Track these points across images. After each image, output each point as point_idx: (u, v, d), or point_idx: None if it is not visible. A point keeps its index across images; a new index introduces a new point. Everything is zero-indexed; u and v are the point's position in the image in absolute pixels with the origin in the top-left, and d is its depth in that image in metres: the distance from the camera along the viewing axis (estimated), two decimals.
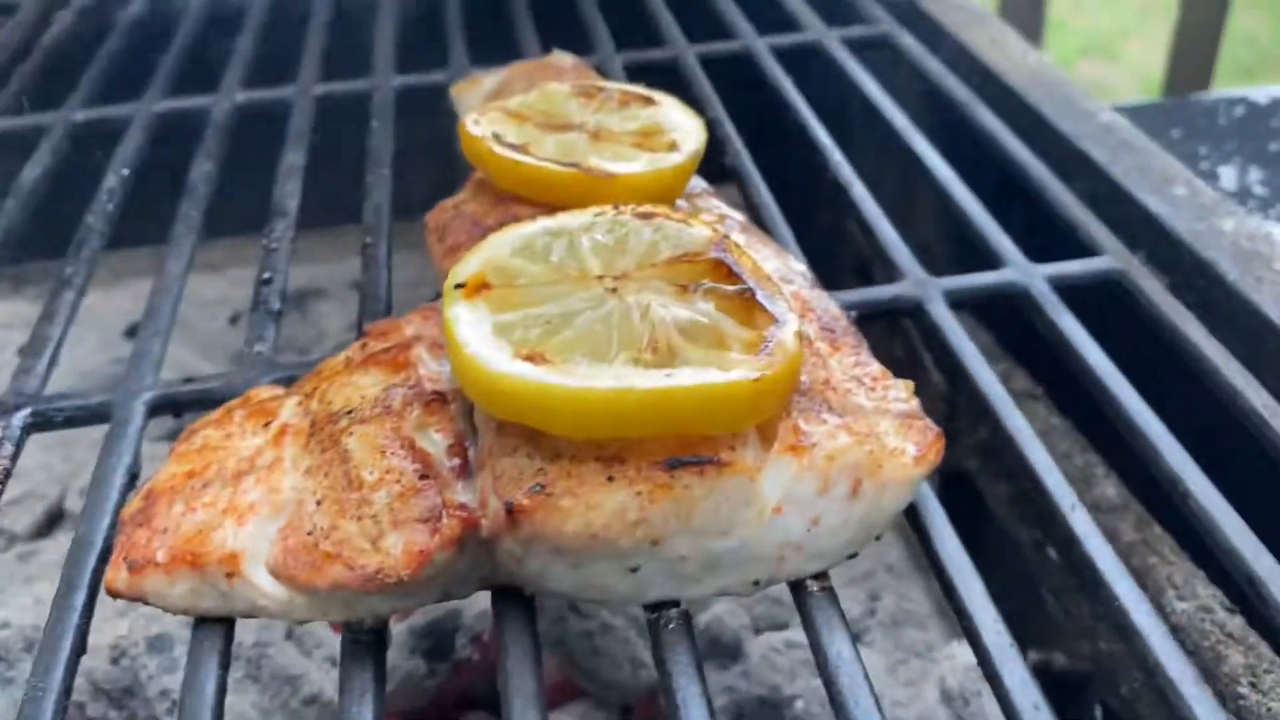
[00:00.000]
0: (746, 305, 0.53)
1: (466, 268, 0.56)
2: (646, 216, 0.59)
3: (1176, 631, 0.70)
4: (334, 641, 0.85)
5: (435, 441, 0.54)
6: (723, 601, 0.95)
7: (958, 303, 0.72)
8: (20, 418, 0.65)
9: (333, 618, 0.53)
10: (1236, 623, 0.68)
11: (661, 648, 0.51)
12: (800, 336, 0.52)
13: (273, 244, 0.79)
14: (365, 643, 0.52)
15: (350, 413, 0.55)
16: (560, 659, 0.86)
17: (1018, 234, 0.77)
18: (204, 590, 0.52)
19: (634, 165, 0.67)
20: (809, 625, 0.52)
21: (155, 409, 0.66)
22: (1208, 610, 0.69)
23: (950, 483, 1.08)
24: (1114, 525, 0.77)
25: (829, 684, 0.49)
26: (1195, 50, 2.25)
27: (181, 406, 0.67)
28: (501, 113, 0.74)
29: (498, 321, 0.52)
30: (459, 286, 0.55)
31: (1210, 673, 0.67)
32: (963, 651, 0.88)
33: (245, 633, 0.82)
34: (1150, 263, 0.76)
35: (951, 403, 1.02)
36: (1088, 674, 0.91)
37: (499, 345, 0.51)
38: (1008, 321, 0.98)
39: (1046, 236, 0.78)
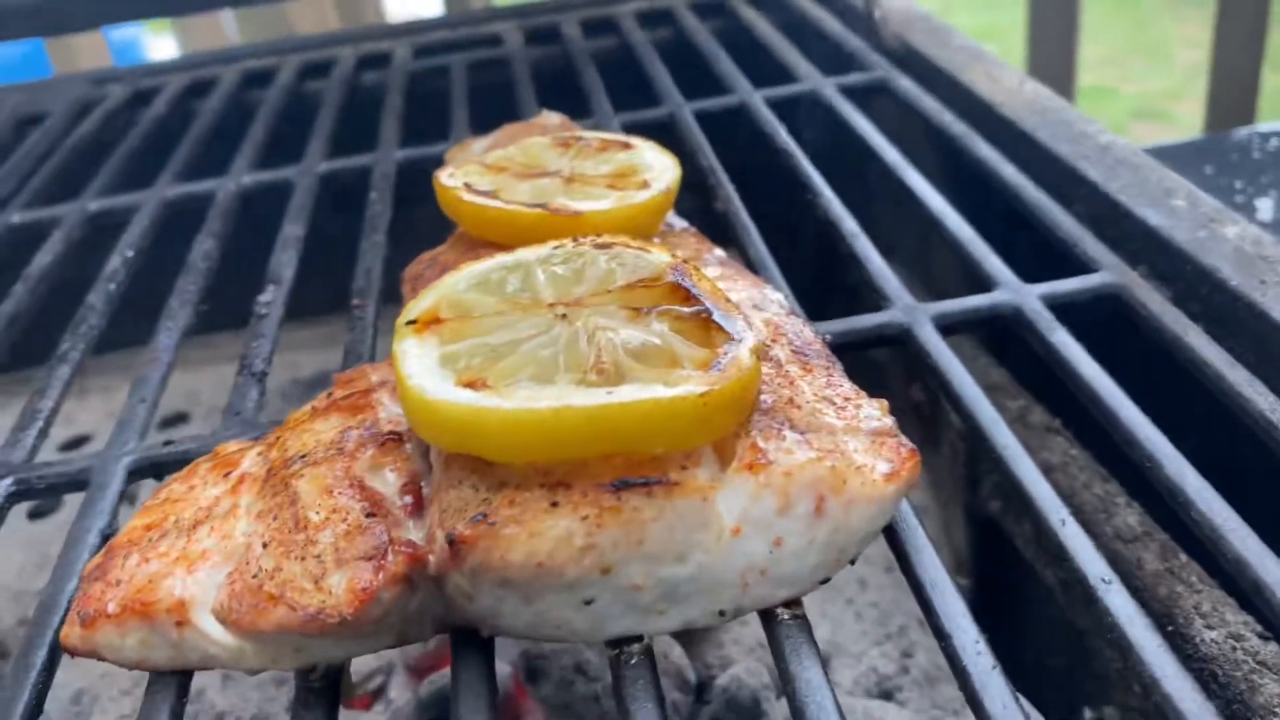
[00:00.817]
0: (703, 326, 0.52)
1: (420, 304, 0.56)
2: (604, 246, 0.58)
3: (1207, 662, 0.65)
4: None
5: (388, 481, 0.53)
6: (742, 660, 0.91)
7: (947, 327, 0.70)
8: (3, 486, 0.66)
9: (284, 665, 0.51)
10: (1270, 649, 0.63)
11: (621, 683, 0.49)
12: (758, 352, 0.50)
13: (262, 310, 0.79)
14: (318, 690, 0.50)
15: (304, 457, 0.55)
16: None
17: (1022, 263, 0.74)
18: (154, 641, 0.51)
19: (602, 203, 0.67)
20: (777, 654, 0.49)
21: (135, 473, 0.66)
22: (1239, 638, 0.64)
23: (980, 530, 1.03)
24: (1137, 555, 0.73)
25: (796, 714, 0.46)
26: (1233, 97, 2.22)
27: (162, 469, 0.67)
28: (479, 165, 0.74)
29: (445, 352, 0.51)
30: (410, 323, 0.54)
31: (1245, 704, 0.62)
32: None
33: (245, 706, 0.80)
34: (1152, 276, 0.73)
35: (973, 445, 0.98)
36: None
37: (442, 374, 0.50)
38: (1022, 356, 0.94)
39: (1051, 263, 0.75)
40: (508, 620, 0.50)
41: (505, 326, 0.52)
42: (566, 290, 0.55)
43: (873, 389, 0.56)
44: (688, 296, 0.54)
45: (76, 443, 1.36)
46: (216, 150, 1.11)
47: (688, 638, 0.93)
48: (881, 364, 1.17)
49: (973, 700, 0.46)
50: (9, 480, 0.66)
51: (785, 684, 0.48)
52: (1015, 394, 0.92)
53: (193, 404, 1.38)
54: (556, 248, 0.58)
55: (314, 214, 0.96)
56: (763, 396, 0.53)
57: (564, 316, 0.52)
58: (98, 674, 0.88)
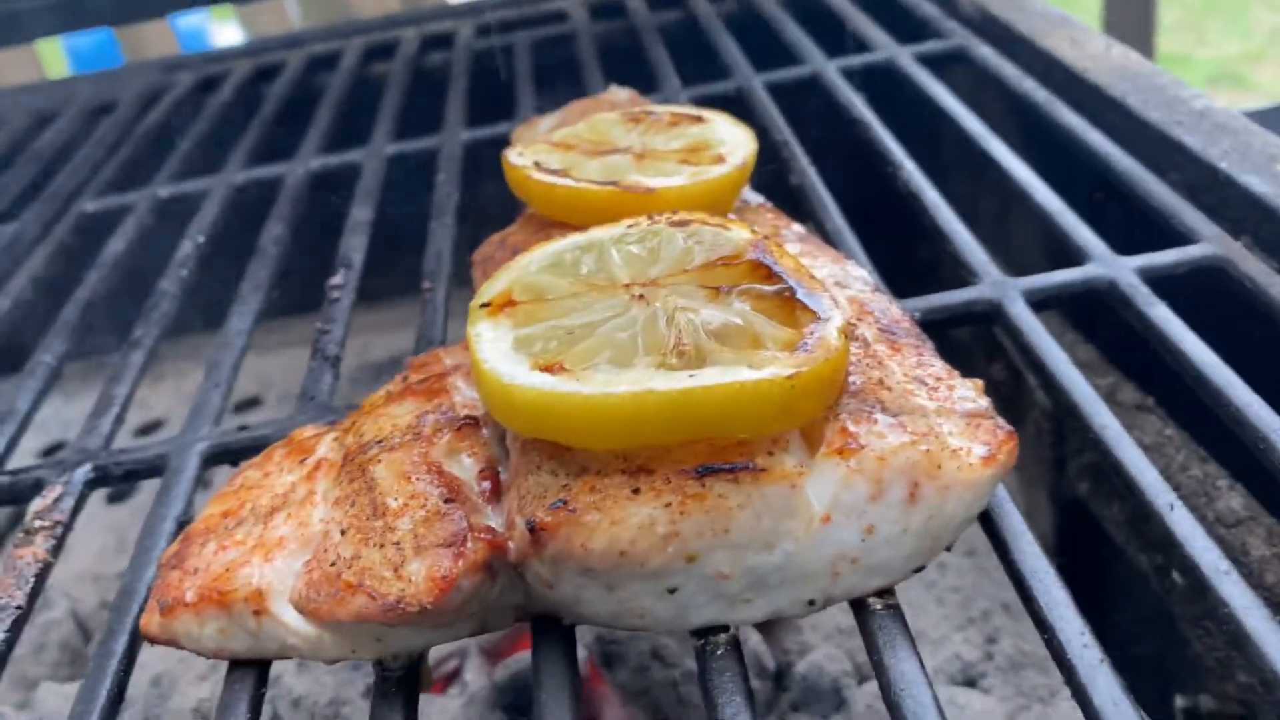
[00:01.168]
0: (786, 305, 0.50)
1: (493, 287, 0.54)
2: (681, 224, 0.56)
3: None
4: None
5: (465, 466, 0.52)
6: (821, 646, 0.89)
7: (1039, 303, 0.67)
8: (81, 473, 0.66)
9: (364, 655, 0.50)
10: None
11: (708, 675, 0.47)
12: (846, 333, 0.48)
13: (334, 294, 0.79)
14: (396, 679, 0.50)
15: (380, 442, 0.54)
16: (646, 710, 0.82)
17: (1111, 236, 0.71)
18: (233, 630, 0.51)
19: (675, 179, 0.65)
20: (870, 645, 0.47)
21: (210, 459, 0.66)
22: None
23: (1067, 511, 1.00)
24: (1242, 540, 0.69)
25: (893, 708, 0.44)
26: None
27: (237, 455, 0.66)
28: (546, 144, 0.73)
29: (519, 335, 0.50)
30: (484, 306, 0.53)
31: None
32: None
33: (321, 690, 0.80)
34: (1257, 247, 0.69)
35: (1059, 423, 0.95)
36: (1241, 718, 0.81)
37: (518, 359, 0.48)
38: (1112, 333, 0.91)
39: (1142, 236, 0.71)
40: (589, 608, 0.48)
41: (580, 309, 0.51)
42: (642, 270, 0.53)
43: (941, 353, 0.54)
44: (770, 274, 0.51)
45: (151, 428, 1.38)
46: (284, 135, 1.11)
47: (766, 624, 0.91)
48: (960, 342, 1.13)
49: (1080, 695, 0.44)
50: (87, 467, 0.66)
51: (879, 676, 0.46)
52: (1104, 371, 0.88)
53: (265, 388, 1.39)
54: (631, 226, 0.57)
55: (382, 197, 0.96)
56: (851, 378, 0.50)
57: (641, 297, 0.50)
58: (176, 658, 0.89)
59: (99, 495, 1.21)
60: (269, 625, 0.50)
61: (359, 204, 0.91)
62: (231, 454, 0.66)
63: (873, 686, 0.88)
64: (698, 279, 0.52)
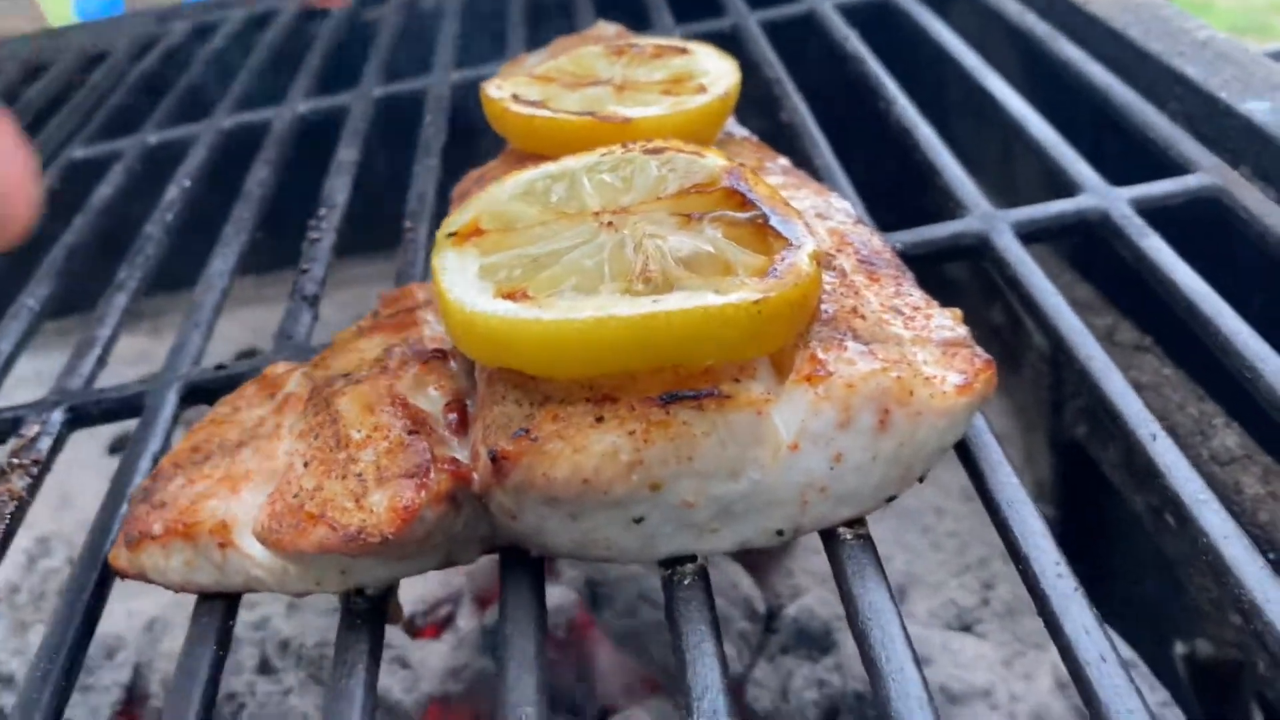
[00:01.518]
0: (759, 232, 0.48)
1: (461, 216, 0.53)
2: (656, 151, 0.55)
3: None
4: (401, 640, 0.83)
5: (432, 399, 0.51)
6: (813, 590, 0.88)
7: (1029, 235, 0.65)
8: (59, 413, 0.65)
9: (329, 587, 0.50)
10: None
11: (673, 605, 0.46)
12: (818, 259, 0.47)
13: (314, 234, 0.78)
14: (362, 612, 0.49)
15: (347, 375, 0.53)
16: (635, 653, 0.82)
17: (1113, 170, 0.69)
18: (198, 562, 0.50)
19: (654, 109, 0.63)
20: (839, 575, 0.46)
21: (187, 397, 0.66)
22: None
23: (1064, 457, 0.99)
24: (1236, 478, 0.68)
25: (860, 638, 0.43)
26: None
27: (214, 394, 0.65)
28: (527, 77, 0.71)
29: (485, 264, 0.49)
30: (450, 235, 0.51)
31: None
32: None
33: (309, 633, 0.80)
34: (1256, 176, 0.67)
35: (1057, 367, 0.93)
36: (1239, 663, 0.80)
37: (482, 287, 0.47)
38: (1111, 272, 0.89)
39: (1145, 171, 0.69)
40: (554, 539, 0.47)
41: (548, 237, 0.50)
42: (614, 198, 0.52)
43: (937, 298, 0.53)
44: (744, 201, 0.50)
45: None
46: (275, 81, 1.10)
47: (757, 567, 0.91)
48: (959, 283, 1.12)
49: (1052, 625, 0.43)
50: (64, 407, 0.66)
51: (847, 606, 0.45)
52: (1102, 311, 0.87)
53: (263, 340, 1.38)
54: (605, 154, 0.55)
55: (371, 143, 0.94)
56: (824, 306, 0.49)
57: (610, 225, 0.49)
58: (169, 601, 0.89)
59: (99, 444, 1.22)
60: (234, 557, 0.50)
61: (345, 144, 0.90)
62: (209, 393, 0.66)
63: None
64: (670, 206, 0.50)
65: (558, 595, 0.87)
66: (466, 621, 0.89)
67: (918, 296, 0.53)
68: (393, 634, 0.83)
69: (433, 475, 0.47)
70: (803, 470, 0.46)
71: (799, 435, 0.45)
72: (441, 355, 0.53)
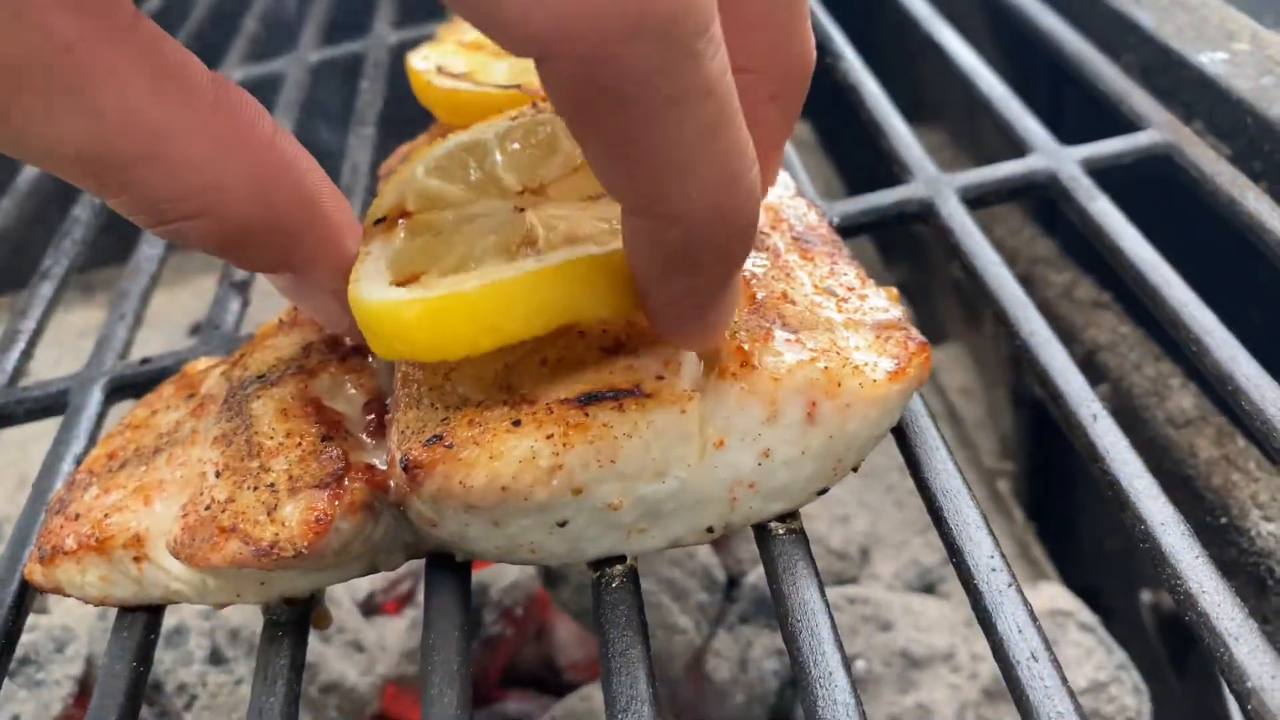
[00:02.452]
0: None
1: (385, 200, 0.50)
2: None
3: (1264, 556, 0.60)
4: (357, 626, 0.82)
5: (349, 399, 0.49)
6: None
7: (976, 199, 0.63)
8: None
9: (251, 600, 0.48)
10: None
11: (601, 609, 0.45)
12: None
13: None
14: (285, 623, 0.48)
15: (262, 376, 0.51)
16: (591, 627, 0.81)
17: (1074, 127, 0.67)
18: (114, 577, 0.49)
19: None
20: (770, 573, 0.45)
21: (112, 393, 0.64)
22: None
23: (1030, 411, 0.98)
24: (1190, 440, 0.67)
25: (788, 640, 0.42)
26: None
27: (140, 388, 0.64)
28: (456, 45, 0.68)
29: (399, 250, 0.47)
30: (379, 222, 0.49)
31: None
32: (1036, 598, 0.79)
33: (259, 621, 0.79)
34: (1209, 132, 0.65)
35: None
36: None
37: (384, 275, 0.45)
38: (1072, 228, 0.87)
39: (1105, 126, 0.67)
40: (478, 545, 0.46)
41: (459, 219, 0.47)
42: (531, 170, 0.49)
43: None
44: None
45: None
46: (209, 45, 1.06)
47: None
48: (922, 238, 1.10)
49: (985, 622, 0.42)
50: None
51: (777, 606, 0.44)
52: (1062, 267, 0.85)
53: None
54: (515, 118, 0.52)
55: (310, 110, 0.91)
56: (755, 291, 0.47)
57: (521, 210, 0.47)
58: None
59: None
60: (150, 571, 0.48)
61: (279, 116, 0.87)
62: (134, 387, 0.64)
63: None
64: (584, 181, 0.48)
65: (515, 572, 0.86)
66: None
67: (852, 275, 0.51)
68: (347, 618, 0.82)
69: (347, 484, 0.45)
70: (730, 467, 0.44)
71: (724, 432, 0.44)
72: (359, 352, 0.51)
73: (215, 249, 0.38)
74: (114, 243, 0.84)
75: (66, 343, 1.38)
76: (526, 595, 0.85)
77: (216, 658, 0.76)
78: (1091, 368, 0.77)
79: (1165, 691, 0.81)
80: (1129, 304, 0.79)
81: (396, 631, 0.88)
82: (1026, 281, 0.86)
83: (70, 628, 0.83)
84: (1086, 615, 0.76)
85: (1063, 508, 0.98)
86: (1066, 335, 0.80)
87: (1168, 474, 0.68)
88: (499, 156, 0.50)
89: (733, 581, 0.86)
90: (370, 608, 0.91)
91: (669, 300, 0.38)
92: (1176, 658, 0.82)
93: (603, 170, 0.34)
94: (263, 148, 0.37)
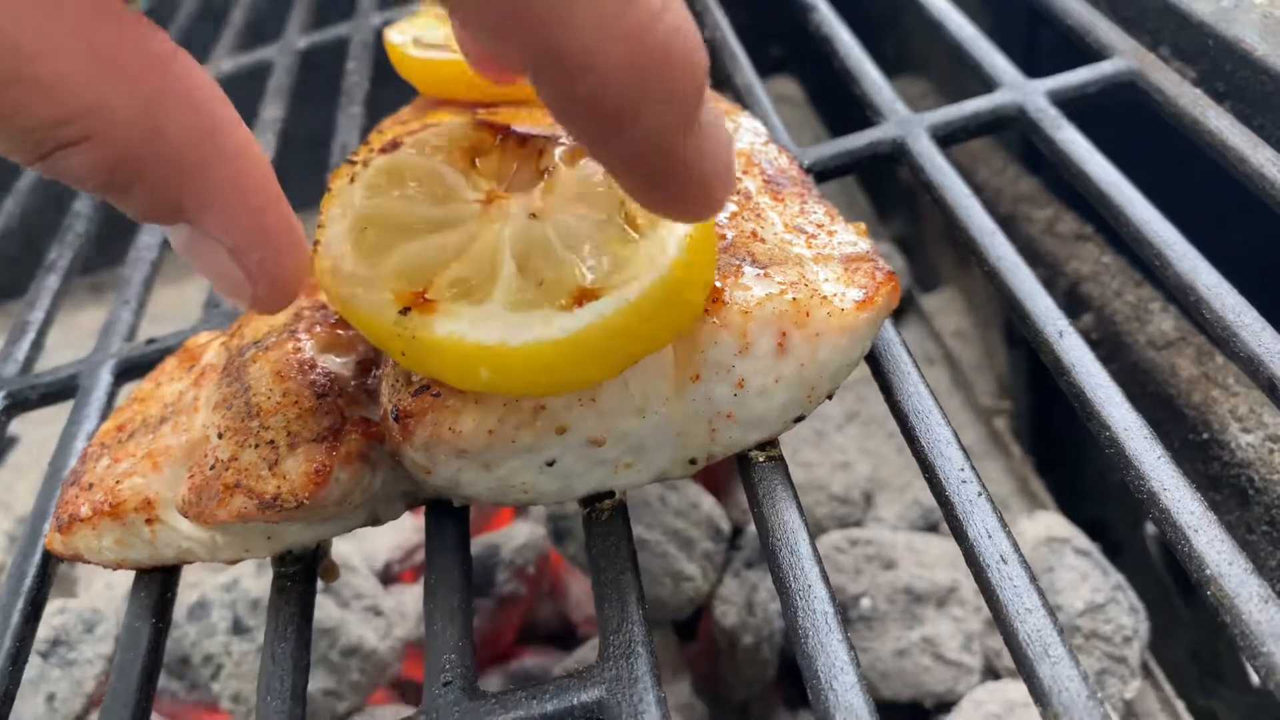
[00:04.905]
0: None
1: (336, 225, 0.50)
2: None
3: (1244, 467, 0.61)
4: (375, 593, 0.84)
5: (343, 358, 0.51)
6: None
7: (947, 136, 0.64)
8: None
9: (259, 554, 0.51)
10: None
11: (592, 542, 0.47)
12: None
13: None
14: (293, 574, 0.50)
15: (258, 343, 0.53)
16: None
17: (1046, 62, 0.68)
18: (129, 540, 0.51)
19: None
20: (751, 498, 0.47)
21: (121, 375, 0.66)
22: (1278, 440, 0.60)
23: (1023, 350, 0.99)
24: (1171, 361, 0.68)
25: (770, 558, 0.44)
26: None
27: (148, 368, 0.66)
28: (433, 17, 0.70)
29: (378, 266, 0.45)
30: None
31: None
32: (1032, 526, 0.81)
33: None
34: (1174, 57, 0.66)
35: None
36: None
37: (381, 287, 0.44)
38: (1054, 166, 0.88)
39: (1072, 58, 0.68)
40: (472, 489, 0.48)
41: (428, 230, 0.46)
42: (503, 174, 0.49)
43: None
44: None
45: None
46: (199, 36, 1.08)
47: (718, 486, 0.92)
48: (916, 191, 1.11)
49: (956, 531, 0.44)
50: (2, 394, 0.66)
51: (759, 528, 0.46)
52: (1045, 203, 0.86)
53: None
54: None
55: (300, 94, 0.93)
56: (724, 232, 0.49)
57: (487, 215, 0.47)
58: None
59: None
60: (163, 532, 0.50)
61: (269, 103, 0.89)
62: (142, 368, 0.66)
63: (830, 538, 0.88)
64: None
65: (526, 532, 0.89)
66: None
67: (820, 213, 0.53)
68: (365, 584, 0.84)
69: (343, 437, 0.47)
70: (706, 400, 0.46)
71: (699, 366, 0.45)
72: None
73: (102, 185, 0.33)
74: (121, 244, 0.86)
75: (77, 342, 1.40)
76: (538, 554, 0.87)
77: (239, 627, 0.78)
78: (1076, 298, 0.79)
79: (1173, 623, 0.82)
80: (1111, 236, 0.80)
81: (414, 598, 0.90)
82: (1010, 220, 0.88)
83: (99, 609, 0.86)
84: (1082, 540, 0.77)
85: (1061, 443, 0.99)
86: (1051, 269, 0.82)
87: (1151, 396, 0.70)
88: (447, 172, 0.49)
89: (737, 530, 0.88)
90: (388, 577, 0.94)
91: (625, 163, 0.34)
92: (1183, 586, 0.84)
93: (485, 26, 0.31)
94: (154, 67, 0.33)
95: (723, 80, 0.76)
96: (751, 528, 0.86)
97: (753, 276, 0.46)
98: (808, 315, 0.46)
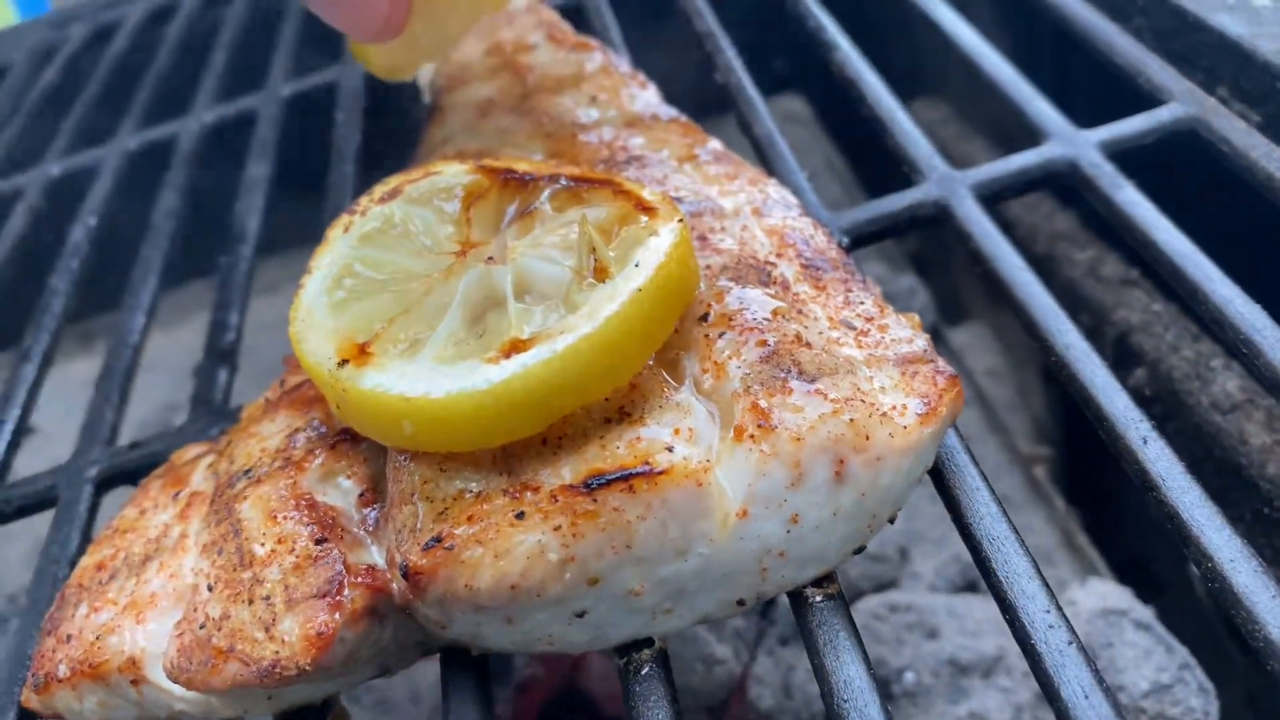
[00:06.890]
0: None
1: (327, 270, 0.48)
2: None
3: None
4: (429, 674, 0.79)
5: (343, 490, 0.46)
6: None
7: (993, 195, 0.59)
8: None
9: (259, 712, 0.45)
10: None
11: (630, 700, 0.42)
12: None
13: (226, 272, 0.72)
14: None
15: (248, 472, 0.48)
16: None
17: (1086, 102, 0.63)
18: (114, 702, 0.46)
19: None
20: (810, 647, 0.42)
21: (103, 484, 0.61)
22: None
23: (1060, 389, 0.94)
24: (1239, 427, 0.63)
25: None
26: None
27: (133, 475, 0.61)
28: None
29: (338, 302, 0.46)
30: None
31: None
32: (1086, 597, 0.75)
33: None
34: (1235, 99, 0.61)
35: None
36: None
37: (329, 337, 0.44)
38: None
39: (1120, 98, 0.63)
40: (493, 641, 0.43)
41: (394, 281, 0.47)
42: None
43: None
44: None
45: None
46: (179, 84, 1.02)
47: None
48: None
49: (1046, 687, 0.38)
50: None
51: (821, 683, 0.41)
52: (1085, 243, 0.81)
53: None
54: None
55: (289, 142, 0.88)
56: (766, 338, 0.43)
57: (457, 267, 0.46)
58: None
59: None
60: (150, 693, 0.45)
61: (255, 159, 0.84)
62: (126, 475, 0.61)
63: (868, 604, 0.83)
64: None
65: None
66: None
67: (870, 304, 0.47)
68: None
69: (347, 592, 0.42)
70: (756, 537, 0.41)
71: (747, 500, 0.40)
72: (349, 437, 0.48)
73: None
74: (108, 289, 0.81)
75: (70, 395, 1.35)
76: None
77: None
78: (1125, 350, 0.73)
79: (1228, 668, 0.77)
80: (1159, 280, 0.75)
81: (433, 671, 0.85)
82: (1049, 261, 0.82)
83: None
84: (1141, 611, 0.72)
85: (1109, 482, 0.94)
86: (1096, 317, 0.76)
87: (1217, 462, 0.65)
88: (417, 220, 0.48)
89: (768, 602, 0.82)
90: None
91: None
92: (1234, 628, 0.79)
93: None
94: None
95: (741, 128, 0.70)
96: (786, 601, 0.81)
97: (803, 394, 0.41)
98: (868, 438, 0.40)
